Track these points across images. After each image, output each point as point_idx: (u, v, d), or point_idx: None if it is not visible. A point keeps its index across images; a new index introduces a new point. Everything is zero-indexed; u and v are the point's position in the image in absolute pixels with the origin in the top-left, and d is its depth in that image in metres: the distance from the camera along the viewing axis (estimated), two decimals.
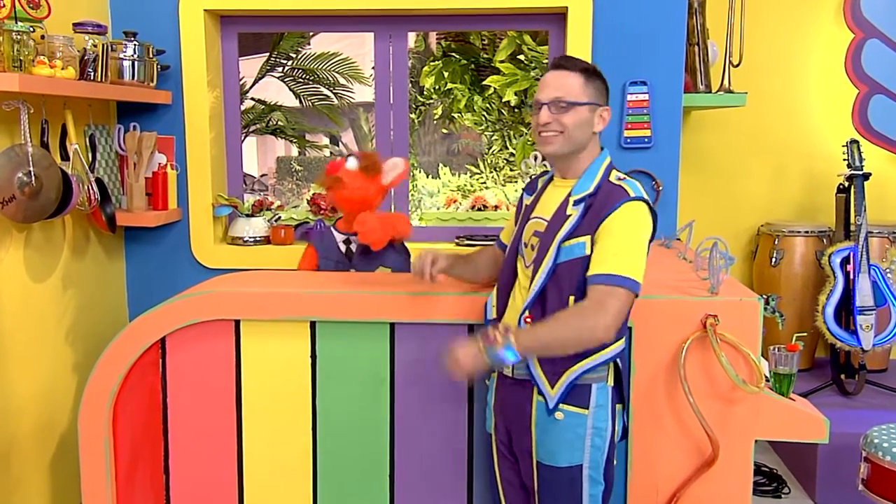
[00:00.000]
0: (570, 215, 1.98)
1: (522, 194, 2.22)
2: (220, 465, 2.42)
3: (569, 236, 1.95)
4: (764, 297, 2.21)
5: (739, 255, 4.26)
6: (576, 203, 1.98)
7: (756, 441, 2.22)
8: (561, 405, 1.99)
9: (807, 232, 4.01)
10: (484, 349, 1.91)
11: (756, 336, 2.17)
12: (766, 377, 2.22)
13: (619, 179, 2.00)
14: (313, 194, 3.82)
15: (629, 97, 3.34)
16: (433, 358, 2.25)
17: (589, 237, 1.94)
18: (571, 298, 1.95)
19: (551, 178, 2.15)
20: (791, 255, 4.01)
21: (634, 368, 2.22)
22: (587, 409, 1.99)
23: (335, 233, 2.83)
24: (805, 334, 2.32)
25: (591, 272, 1.91)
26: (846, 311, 3.66)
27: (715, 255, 2.20)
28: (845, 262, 3.66)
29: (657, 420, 2.24)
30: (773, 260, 4.02)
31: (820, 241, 4.01)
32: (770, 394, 2.21)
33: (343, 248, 2.79)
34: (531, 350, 1.94)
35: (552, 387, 1.99)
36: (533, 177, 2.26)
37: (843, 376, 3.77)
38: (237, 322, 2.37)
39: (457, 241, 3.63)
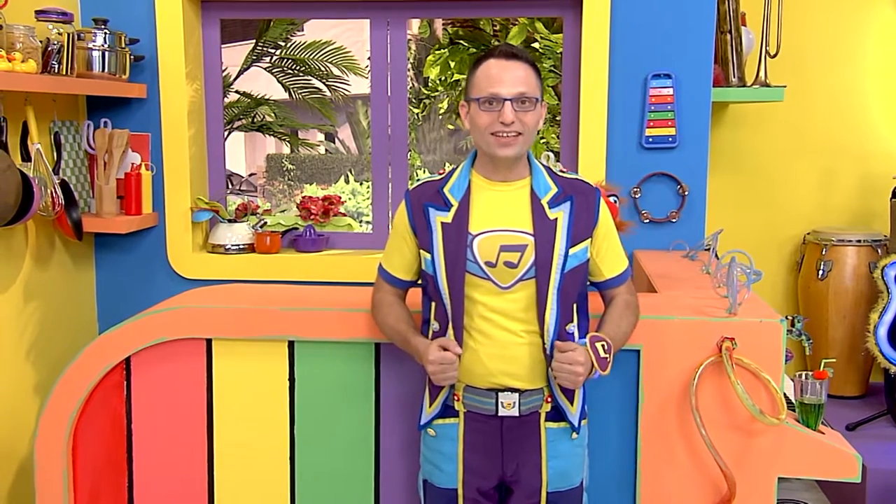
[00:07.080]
0: (555, 219, 2.04)
1: (427, 211, 2.08)
2: (189, 497, 2.49)
3: (573, 242, 2.05)
4: (789, 317, 2.26)
5: (783, 267, 4.28)
6: (553, 205, 2.05)
7: (801, 479, 2.27)
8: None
9: (859, 241, 4.02)
10: (597, 365, 1.96)
11: (778, 361, 2.22)
12: (791, 402, 2.27)
13: (562, 171, 2.17)
14: (303, 197, 3.90)
15: (651, 91, 3.38)
16: (421, 381, 2.31)
17: (589, 240, 2.09)
18: (575, 306, 2.09)
19: (468, 185, 2.08)
20: (841, 267, 4.02)
21: (643, 396, 2.28)
22: (586, 418, 2.18)
23: None
24: (834, 360, 2.36)
25: (611, 274, 2.16)
26: None
27: (734, 270, 2.25)
28: None
29: (668, 453, 2.29)
30: (820, 272, 4.03)
31: (874, 252, 4.01)
32: (795, 426, 2.25)
33: None
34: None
35: (572, 403, 2.10)
36: (417, 187, 2.15)
37: None
38: (209, 341, 2.44)
39: None
